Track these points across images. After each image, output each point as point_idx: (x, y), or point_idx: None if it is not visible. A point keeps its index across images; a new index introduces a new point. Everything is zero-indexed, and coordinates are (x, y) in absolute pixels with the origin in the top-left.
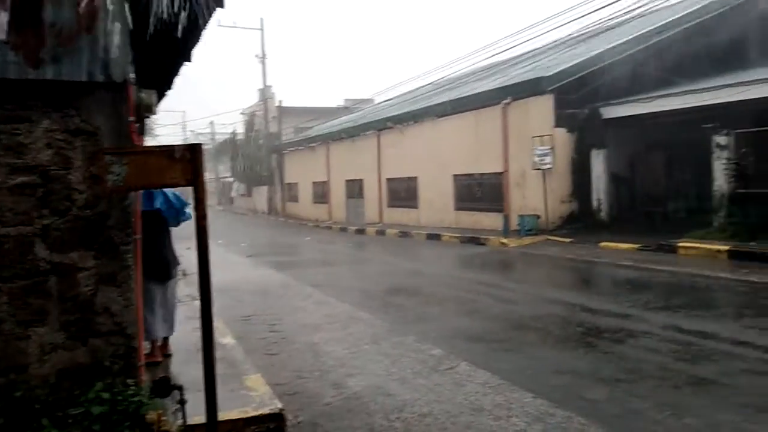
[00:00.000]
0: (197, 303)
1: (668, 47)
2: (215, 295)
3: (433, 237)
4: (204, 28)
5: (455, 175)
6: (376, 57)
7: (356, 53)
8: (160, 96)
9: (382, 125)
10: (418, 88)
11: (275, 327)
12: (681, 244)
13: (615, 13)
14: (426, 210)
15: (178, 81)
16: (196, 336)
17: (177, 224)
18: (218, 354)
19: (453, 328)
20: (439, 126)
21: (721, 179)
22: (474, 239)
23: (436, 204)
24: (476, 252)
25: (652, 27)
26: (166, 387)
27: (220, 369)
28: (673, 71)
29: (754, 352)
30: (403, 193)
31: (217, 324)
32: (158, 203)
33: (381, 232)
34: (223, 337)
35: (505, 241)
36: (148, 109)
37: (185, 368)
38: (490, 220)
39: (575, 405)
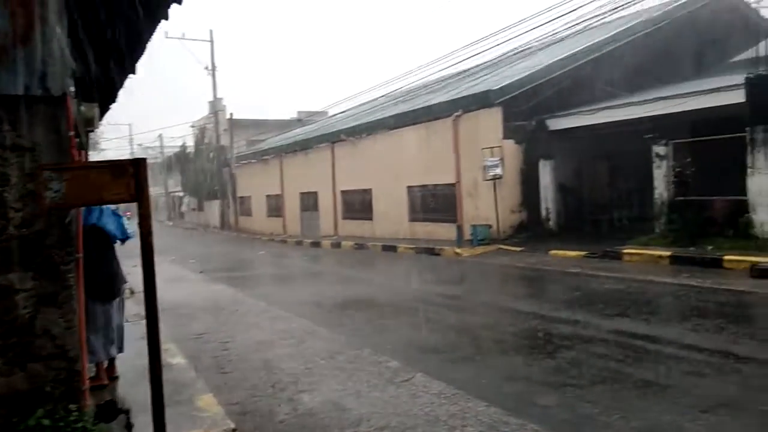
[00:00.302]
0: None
1: (611, 61)
2: (165, 313)
3: (389, 248)
4: (148, 40)
5: (409, 187)
6: (330, 69)
7: (309, 66)
8: (104, 109)
9: (336, 137)
10: (371, 101)
11: (228, 345)
12: (625, 251)
13: (560, 27)
14: (381, 222)
15: (123, 94)
16: (145, 356)
17: (122, 242)
18: (168, 374)
19: (409, 340)
20: (392, 138)
21: (661, 187)
22: (429, 250)
23: (391, 215)
24: (431, 262)
25: (595, 41)
26: (111, 411)
27: (169, 390)
28: (616, 84)
29: (698, 355)
30: (358, 205)
31: (167, 344)
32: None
33: (336, 245)
34: (174, 357)
35: (459, 251)
36: (90, 123)
37: (133, 390)
38: (444, 231)
39: (528, 412)
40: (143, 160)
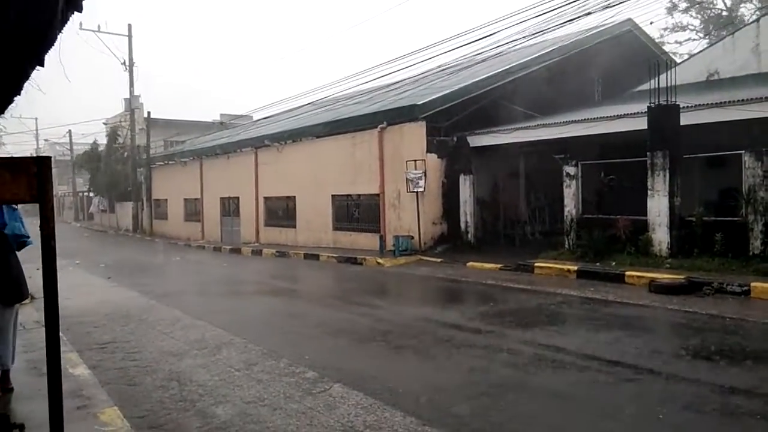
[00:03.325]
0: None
1: (527, 84)
2: (70, 320)
3: (311, 257)
4: (59, 31)
5: (333, 196)
6: (255, 74)
7: (234, 69)
8: (7, 102)
9: (260, 143)
10: (298, 107)
11: (136, 355)
12: (537, 264)
13: (483, 48)
14: (304, 229)
15: (29, 86)
16: (43, 367)
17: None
18: (69, 386)
19: (328, 349)
20: (317, 146)
21: (570, 205)
22: (351, 259)
23: (315, 224)
24: (353, 271)
25: (513, 64)
26: (4, 426)
27: (70, 403)
28: (533, 106)
29: (599, 365)
30: (281, 212)
31: (69, 354)
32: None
33: (257, 252)
34: (75, 368)
35: (381, 260)
36: None
37: (29, 404)
38: (367, 240)
39: (443, 422)
40: (48, 158)
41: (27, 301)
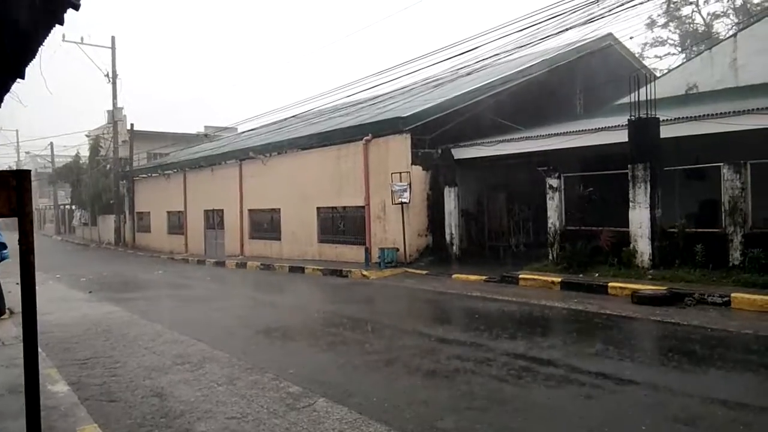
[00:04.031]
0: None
1: (510, 97)
2: (50, 335)
3: (296, 269)
4: (40, 44)
5: (318, 208)
6: (239, 86)
7: (217, 81)
8: None
9: (245, 155)
10: (283, 120)
11: (116, 370)
12: (521, 276)
13: (467, 61)
14: (289, 242)
15: (9, 98)
16: (21, 382)
17: None
18: (48, 403)
19: (312, 364)
20: (302, 158)
21: (554, 217)
22: (336, 272)
23: (300, 236)
24: (338, 284)
25: (498, 77)
26: None
27: (49, 421)
28: (516, 119)
29: (583, 377)
30: (266, 224)
31: (48, 369)
32: None
33: (242, 265)
34: (54, 384)
35: (366, 273)
36: None
37: (5, 422)
38: (353, 253)
39: None
40: (27, 172)
41: (6, 316)
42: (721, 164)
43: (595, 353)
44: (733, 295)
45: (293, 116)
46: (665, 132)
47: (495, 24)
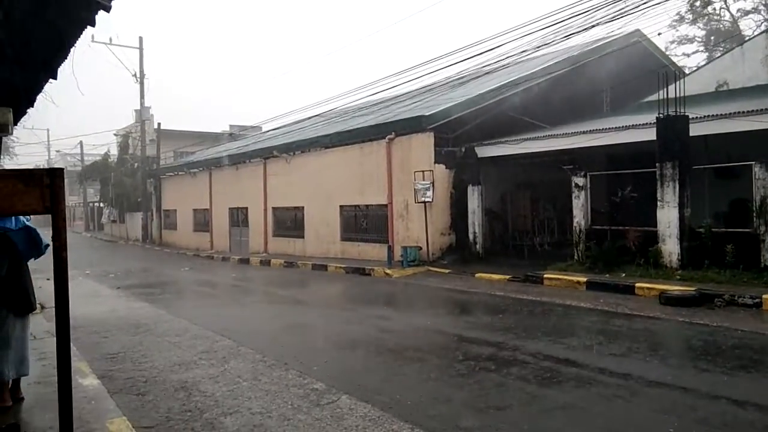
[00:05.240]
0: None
1: (535, 95)
2: (78, 331)
3: (319, 267)
4: (72, 45)
5: (341, 206)
6: (264, 85)
7: (243, 80)
8: (20, 113)
9: (269, 153)
10: (306, 119)
11: (145, 365)
12: (546, 276)
13: (489, 60)
14: (312, 240)
15: (42, 98)
16: (54, 377)
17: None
18: (79, 396)
19: (336, 361)
20: (326, 157)
21: (579, 216)
22: (359, 270)
23: (323, 234)
24: (361, 282)
25: (522, 75)
26: None
27: (80, 413)
28: (540, 117)
29: (610, 379)
30: (290, 222)
31: (79, 363)
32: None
33: (266, 262)
34: (85, 378)
35: (389, 271)
36: (4, 129)
37: (39, 414)
38: (375, 251)
39: None
40: (60, 170)
41: (37, 311)
42: (753, 163)
43: (622, 354)
44: (764, 296)
45: (316, 115)
46: (694, 130)
47: (518, 22)
